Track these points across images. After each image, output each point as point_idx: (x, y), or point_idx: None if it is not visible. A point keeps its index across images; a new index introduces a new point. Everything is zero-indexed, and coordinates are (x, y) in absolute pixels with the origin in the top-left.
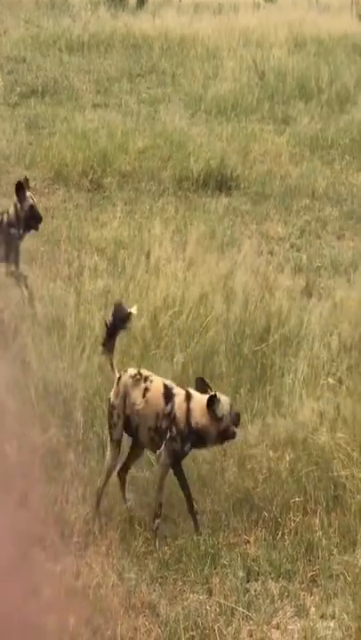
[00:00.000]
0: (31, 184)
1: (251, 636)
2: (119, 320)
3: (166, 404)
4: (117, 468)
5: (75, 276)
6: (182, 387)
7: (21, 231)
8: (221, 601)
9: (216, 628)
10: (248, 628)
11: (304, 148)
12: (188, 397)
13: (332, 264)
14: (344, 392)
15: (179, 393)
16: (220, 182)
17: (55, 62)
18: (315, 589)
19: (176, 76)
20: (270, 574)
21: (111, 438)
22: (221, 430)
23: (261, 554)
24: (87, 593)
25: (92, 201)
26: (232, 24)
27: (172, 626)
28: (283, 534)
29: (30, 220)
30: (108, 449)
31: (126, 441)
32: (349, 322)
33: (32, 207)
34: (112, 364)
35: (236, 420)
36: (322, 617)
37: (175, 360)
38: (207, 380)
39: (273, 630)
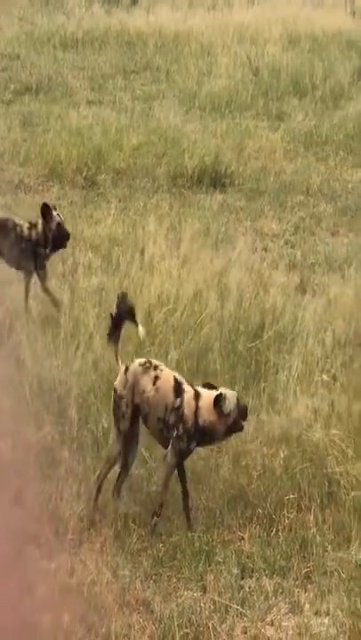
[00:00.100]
0: (25, 181)
1: (245, 632)
2: (124, 310)
3: (176, 397)
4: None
5: (69, 273)
6: (190, 384)
7: (48, 251)
8: (216, 598)
9: (210, 625)
10: (242, 624)
11: (298, 144)
12: (197, 396)
13: (327, 260)
14: (338, 389)
15: (188, 390)
16: (214, 179)
17: (49, 59)
18: (309, 586)
19: (170, 73)
20: (265, 571)
21: (118, 429)
22: (229, 426)
23: (256, 551)
24: (81, 590)
25: (86, 198)
26: (226, 20)
27: (166, 623)
28: (277, 531)
29: (58, 238)
30: (114, 440)
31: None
32: (344, 318)
33: (59, 225)
34: (117, 355)
35: (244, 412)
36: (316, 613)
37: (169, 357)
38: (202, 377)
39: (267, 627)
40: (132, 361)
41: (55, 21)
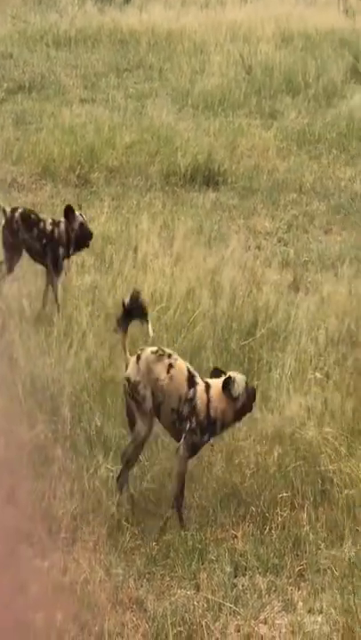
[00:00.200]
0: (18, 180)
1: (238, 631)
2: (134, 306)
3: (189, 388)
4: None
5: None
6: (201, 377)
7: (71, 252)
8: (209, 596)
9: (204, 623)
10: (235, 623)
11: (291, 142)
12: (208, 388)
13: (320, 258)
14: (331, 386)
15: (200, 382)
16: (207, 177)
17: (42, 58)
18: (302, 584)
19: (163, 71)
20: (258, 569)
21: (142, 412)
22: (238, 409)
23: (249, 549)
24: (75, 589)
25: (79, 196)
26: (219, 19)
27: (159, 621)
28: (270, 529)
29: (81, 238)
30: (139, 425)
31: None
32: (337, 316)
33: (82, 225)
34: (125, 346)
35: (253, 395)
36: (309, 611)
37: None
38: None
39: (260, 625)
40: (143, 349)
41: (48, 20)
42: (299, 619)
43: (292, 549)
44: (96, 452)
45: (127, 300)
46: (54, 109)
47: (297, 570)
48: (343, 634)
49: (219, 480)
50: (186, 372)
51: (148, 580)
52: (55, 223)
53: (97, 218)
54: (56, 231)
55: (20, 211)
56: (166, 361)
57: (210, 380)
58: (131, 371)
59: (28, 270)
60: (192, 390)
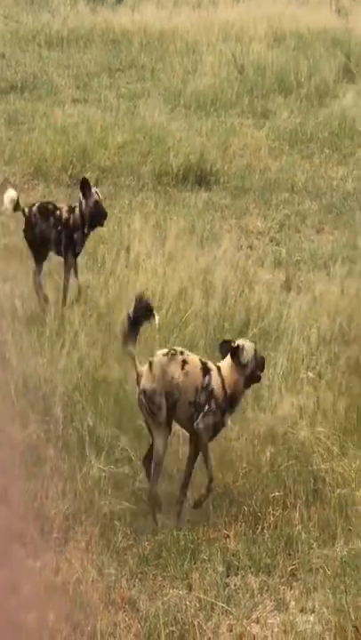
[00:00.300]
0: (11, 179)
1: (230, 630)
2: (141, 312)
3: (204, 377)
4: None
5: (54, 271)
6: (214, 362)
7: (86, 230)
8: (201, 596)
9: (196, 623)
10: (228, 622)
11: (283, 142)
12: (220, 370)
13: (312, 258)
14: (324, 386)
15: (213, 368)
16: (199, 177)
17: (34, 58)
18: (294, 583)
19: (155, 71)
20: (250, 569)
21: (158, 423)
22: (248, 376)
23: (241, 548)
24: (67, 589)
25: (71, 196)
26: (211, 18)
27: (151, 621)
28: (262, 528)
29: (95, 216)
30: (154, 436)
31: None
32: (329, 315)
33: (97, 203)
34: (134, 358)
35: (261, 363)
36: (302, 611)
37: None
38: None
39: (253, 625)
40: (154, 355)
41: (40, 19)
42: (291, 618)
43: (285, 549)
44: (88, 452)
45: (131, 310)
46: (46, 109)
47: (289, 569)
48: (335, 633)
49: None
50: (199, 364)
51: (140, 579)
52: (71, 209)
53: None
54: (71, 218)
55: (37, 205)
56: (179, 358)
57: (220, 363)
58: (145, 381)
59: (20, 270)
60: (207, 377)
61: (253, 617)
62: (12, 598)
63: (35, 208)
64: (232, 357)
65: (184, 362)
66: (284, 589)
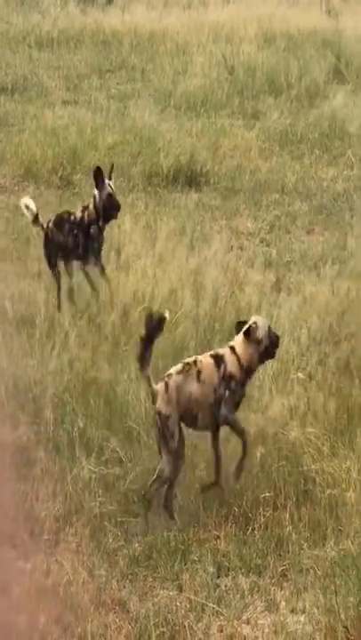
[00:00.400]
0: (1, 181)
1: (221, 631)
2: (153, 330)
3: (219, 368)
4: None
5: (44, 272)
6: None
7: (101, 223)
8: (192, 597)
9: (186, 624)
10: (218, 623)
11: (274, 142)
12: (233, 349)
13: (302, 259)
14: (314, 387)
15: (225, 352)
16: (189, 178)
17: (25, 59)
18: (285, 584)
19: (146, 72)
20: (240, 569)
21: (168, 449)
22: (262, 352)
23: (232, 549)
24: (57, 590)
25: (61, 197)
26: (201, 19)
27: (142, 622)
28: (253, 529)
29: (109, 209)
30: (164, 461)
31: None
32: (319, 316)
33: (110, 195)
34: (149, 378)
35: (276, 341)
36: (292, 611)
37: None
38: None
39: (243, 625)
40: (168, 376)
41: (30, 20)
42: (281, 619)
43: (275, 549)
44: (79, 454)
45: (144, 331)
46: (37, 111)
47: (280, 570)
48: (326, 633)
49: (202, 480)
50: (212, 361)
51: (130, 580)
52: (84, 208)
53: None
54: (85, 215)
55: (52, 219)
56: (194, 371)
57: (233, 341)
58: (161, 403)
59: (10, 272)
60: (222, 367)
61: (244, 618)
62: (2, 600)
63: (51, 224)
64: (245, 334)
65: (199, 372)
66: (274, 590)
